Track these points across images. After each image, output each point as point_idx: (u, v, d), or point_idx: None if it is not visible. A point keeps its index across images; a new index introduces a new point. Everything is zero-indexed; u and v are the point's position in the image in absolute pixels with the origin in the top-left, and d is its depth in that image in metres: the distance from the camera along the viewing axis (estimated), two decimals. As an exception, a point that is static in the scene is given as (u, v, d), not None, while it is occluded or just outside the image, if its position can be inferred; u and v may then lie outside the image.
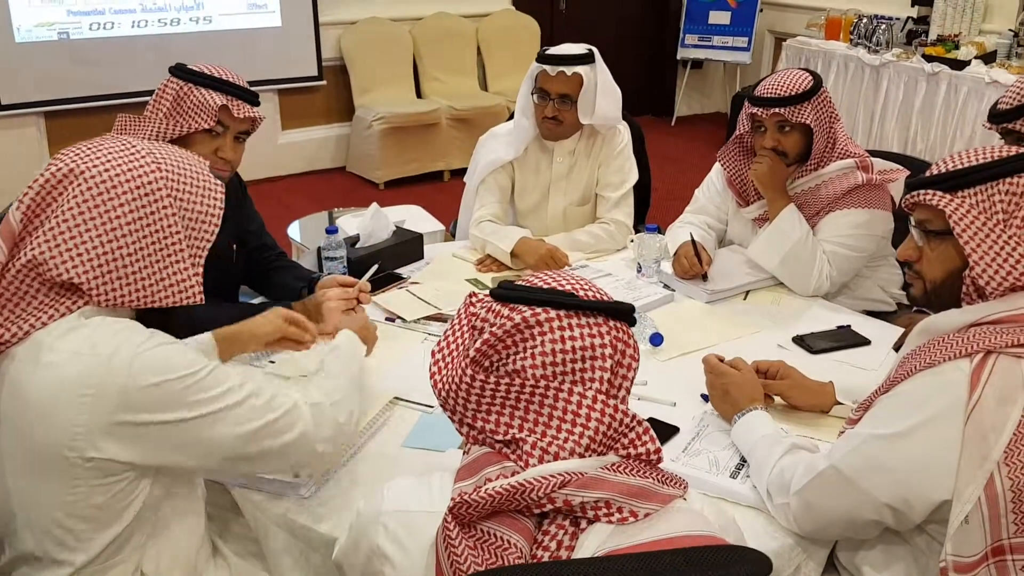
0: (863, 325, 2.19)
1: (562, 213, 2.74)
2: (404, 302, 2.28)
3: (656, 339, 2.07)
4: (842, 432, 1.48)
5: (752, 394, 1.71)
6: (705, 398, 1.81)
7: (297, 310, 2.06)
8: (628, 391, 1.12)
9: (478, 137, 2.88)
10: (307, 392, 1.43)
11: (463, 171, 2.94)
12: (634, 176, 2.71)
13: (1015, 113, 2.13)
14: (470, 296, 1.18)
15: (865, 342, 2.10)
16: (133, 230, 1.27)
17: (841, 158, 2.36)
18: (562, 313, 1.08)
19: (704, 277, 2.37)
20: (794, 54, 5.96)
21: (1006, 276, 1.35)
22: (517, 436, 1.06)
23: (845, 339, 2.11)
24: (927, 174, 1.47)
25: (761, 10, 6.57)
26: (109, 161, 1.28)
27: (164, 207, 1.30)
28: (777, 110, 2.30)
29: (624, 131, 2.71)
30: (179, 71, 1.97)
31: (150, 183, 1.29)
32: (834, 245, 2.33)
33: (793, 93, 2.29)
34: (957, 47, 5.09)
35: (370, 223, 2.54)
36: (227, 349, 1.73)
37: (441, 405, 1.13)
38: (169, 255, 1.31)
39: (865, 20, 5.54)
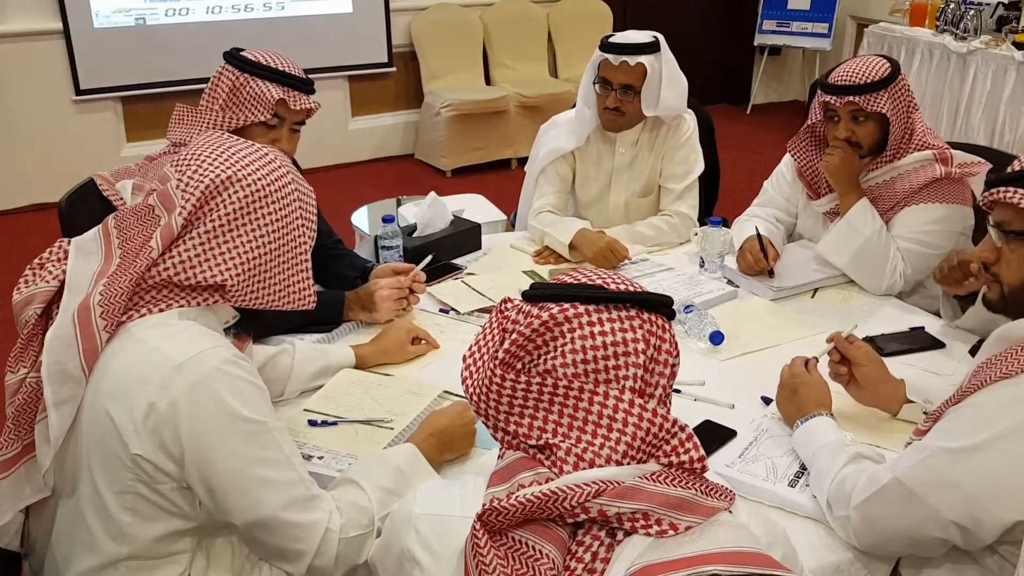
0: (938, 327, 2.08)
1: (624, 205, 2.67)
2: (458, 294, 2.25)
3: (716, 337, 1.99)
4: (909, 443, 1.39)
5: (820, 399, 1.63)
6: (766, 401, 1.73)
7: (351, 300, 2.06)
8: (666, 392, 1.06)
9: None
10: (335, 509, 1.32)
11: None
12: (699, 167, 2.62)
13: None
14: (503, 301, 1.14)
15: (940, 345, 1.99)
16: (276, 237, 1.32)
17: (918, 150, 2.24)
18: (591, 308, 1.03)
19: (770, 273, 2.28)
20: (876, 40, 5.73)
21: None
22: (551, 441, 1.01)
23: (918, 342, 2.00)
24: (1009, 170, 1.37)
25: (843, -6, 6.35)
26: (259, 170, 1.31)
27: (296, 215, 1.35)
28: (852, 98, 2.19)
29: (690, 120, 2.62)
30: (235, 59, 1.96)
31: (288, 193, 1.34)
32: (909, 242, 2.21)
33: (869, 80, 2.18)
34: (1052, 33, 4.83)
35: (428, 212, 2.51)
36: (364, 363, 1.88)
37: (475, 411, 1.09)
38: (296, 261, 1.36)
39: (952, 6, 5.29)
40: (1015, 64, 4.87)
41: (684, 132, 2.60)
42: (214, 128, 1.92)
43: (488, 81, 6.01)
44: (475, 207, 3.36)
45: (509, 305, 1.13)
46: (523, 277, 2.38)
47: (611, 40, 2.47)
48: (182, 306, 1.29)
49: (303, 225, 1.36)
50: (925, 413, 1.64)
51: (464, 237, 2.54)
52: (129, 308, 1.27)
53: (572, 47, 6.18)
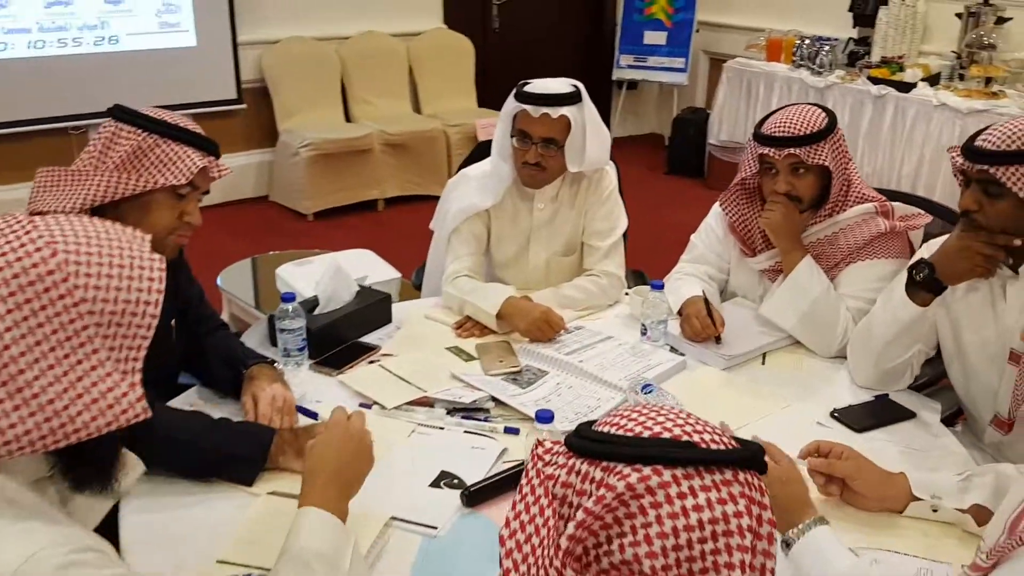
0: (899, 394, 1.96)
1: (544, 264, 2.45)
2: (380, 383, 1.94)
3: (682, 422, 1.79)
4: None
5: (802, 497, 1.43)
6: None
7: (283, 439, 1.62)
8: (772, 574, 0.84)
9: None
10: None
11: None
12: (624, 222, 2.44)
13: (1002, 158, 1.68)
14: (537, 446, 0.88)
15: (910, 415, 1.87)
16: (14, 337, 0.92)
17: (858, 202, 2.14)
18: (679, 473, 0.79)
19: (717, 339, 2.11)
20: (735, 75, 5.82)
21: None
22: None
23: (889, 414, 1.87)
24: None
25: (697, 31, 6.44)
26: None
27: (63, 300, 0.94)
28: (792, 151, 2.07)
29: (612, 172, 2.44)
30: (133, 116, 1.61)
31: (37, 270, 0.94)
32: (858, 300, 2.10)
33: (809, 131, 2.06)
34: (902, 69, 5.03)
35: (330, 284, 2.20)
36: None
37: None
38: (79, 362, 0.95)
39: (807, 42, 5.44)
40: (871, 98, 5.04)
41: (607, 186, 2.41)
42: (105, 194, 1.54)
43: (348, 118, 5.67)
44: (365, 264, 3.04)
45: (546, 454, 0.87)
46: (448, 356, 2.10)
47: (528, 89, 2.25)
48: None
49: (87, 313, 0.95)
50: (934, 510, 1.51)
51: (374, 311, 2.24)
52: None
53: (435, 82, 5.95)
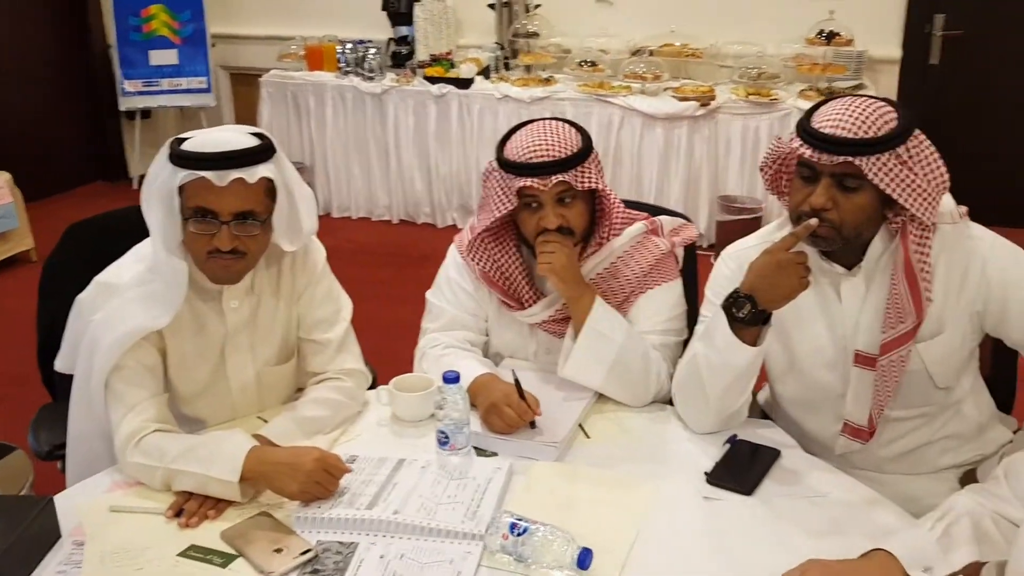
0: (743, 426, 1.73)
1: (254, 382, 1.75)
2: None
3: (585, 558, 1.33)
4: None
5: None
6: None
7: None
8: None
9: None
10: None
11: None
12: (348, 301, 1.85)
13: (864, 147, 1.45)
14: None
15: (776, 453, 1.64)
16: None
17: (627, 223, 1.86)
18: None
19: (532, 424, 1.67)
20: (276, 89, 5.28)
21: None
22: None
23: (761, 460, 1.61)
24: None
25: (213, 45, 5.72)
26: None
27: None
28: (560, 177, 1.71)
29: (317, 241, 1.83)
30: None
31: None
32: (662, 335, 1.83)
33: (573, 151, 1.74)
34: (454, 65, 4.95)
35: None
36: None
37: None
38: None
39: (350, 46, 5.10)
40: (433, 98, 4.89)
41: (316, 258, 1.80)
42: None
43: None
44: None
45: None
46: (189, 568, 1.35)
47: (196, 148, 1.54)
48: None
49: None
50: (926, 570, 1.29)
51: (36, 529, 1.38)
52: None
53: None
